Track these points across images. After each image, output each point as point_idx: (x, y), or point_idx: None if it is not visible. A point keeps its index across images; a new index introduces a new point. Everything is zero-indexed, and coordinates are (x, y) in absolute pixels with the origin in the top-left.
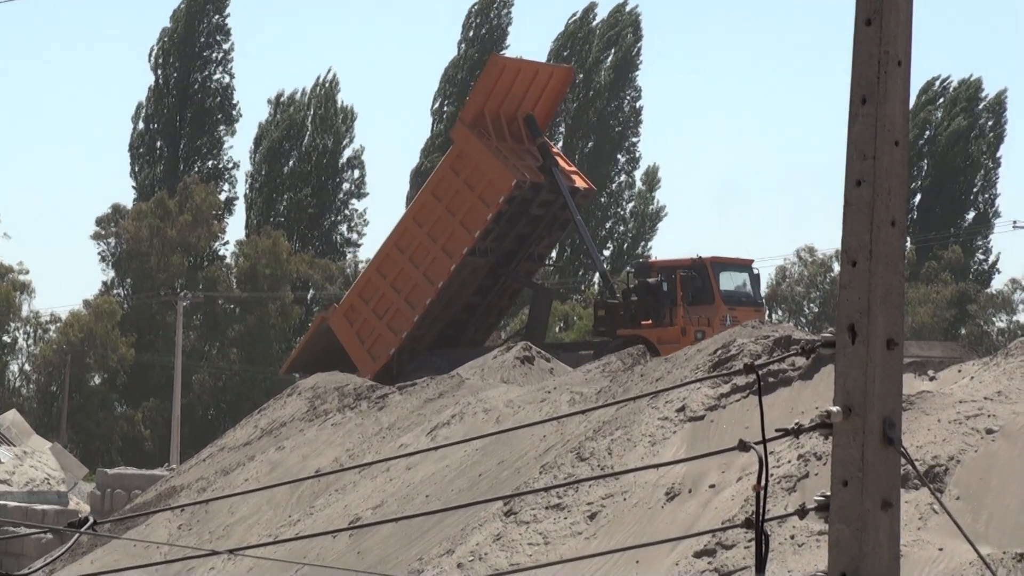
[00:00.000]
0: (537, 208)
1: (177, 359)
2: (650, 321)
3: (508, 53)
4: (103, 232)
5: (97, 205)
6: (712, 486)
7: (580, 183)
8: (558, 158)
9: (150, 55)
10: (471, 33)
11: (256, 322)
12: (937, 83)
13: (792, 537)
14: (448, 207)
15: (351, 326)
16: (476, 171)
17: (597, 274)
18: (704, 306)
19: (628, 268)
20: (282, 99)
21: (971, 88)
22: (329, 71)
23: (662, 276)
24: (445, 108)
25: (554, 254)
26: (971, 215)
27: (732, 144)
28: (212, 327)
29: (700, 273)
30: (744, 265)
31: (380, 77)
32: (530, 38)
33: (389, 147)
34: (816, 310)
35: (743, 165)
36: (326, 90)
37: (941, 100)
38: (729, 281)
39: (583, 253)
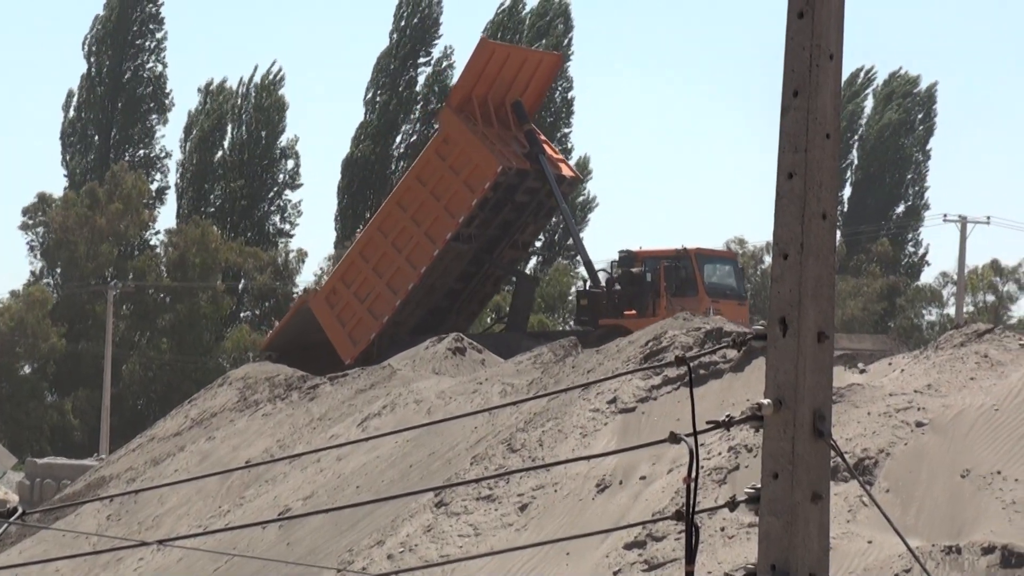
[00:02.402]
0: (522, 195)
1: (107, 349)
2: (633, 311)
3: (438, 43)
4: (30, 222)
5: (28, 194)
6: (643, 478)
7: (566, 171)
8: (545, 145)
9: (83, 43)
10: (402, 23)
11: (186, 311)
12: (862, 74)
13: (722, 529)
14: (432, 192)
15: (332, 309)
16: (462, 156)
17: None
18: (688, 298)
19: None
20: (211, 87)
21: (905, 83)
22: (274, 63)
23: (646, 266)
24: (378, 98)
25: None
26: (901, 208)
27: (663, 134)
28: (142, 316)
29: (684, 264)
30: (729, 258)
31: (312, 66)
32: (461, 27)
33: (321, 137)
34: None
35: (674, 156)
36: (267, 82)
37: (868, 91)
38: (713, 273)
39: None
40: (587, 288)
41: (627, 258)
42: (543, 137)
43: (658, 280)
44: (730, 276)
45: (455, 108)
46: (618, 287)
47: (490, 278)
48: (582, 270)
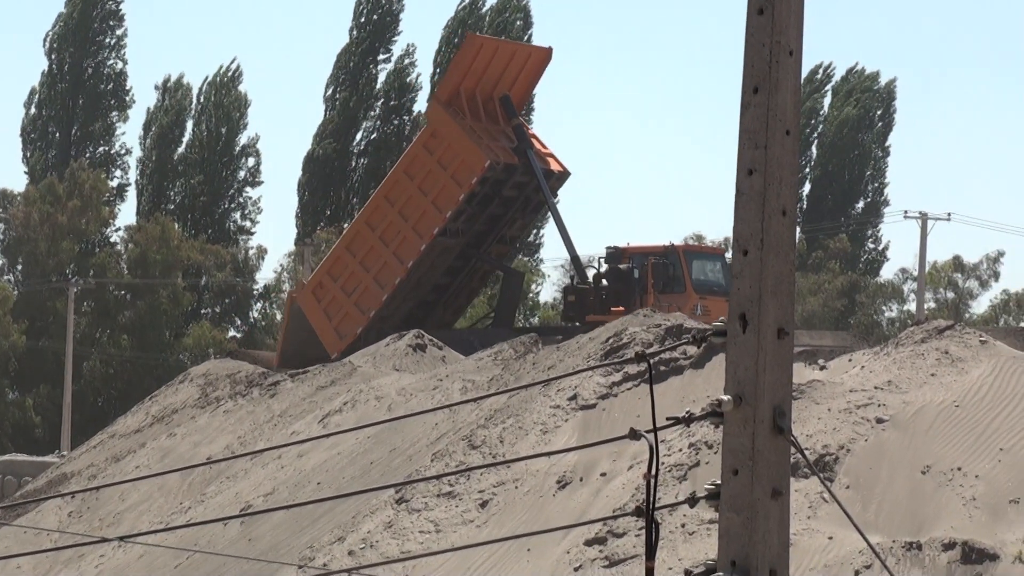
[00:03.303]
0: (510, 190)
1: (68, 345)
2: (621, 308)
3: (398, 39)
4: None
5: None
6: (603, 474)
7: (555, 166)
8: (533, 140)
9: (44, 40)
10: (362, 19)
11: (147, 308)
12: (821, 71)
13: (683, 525)
14: (420, 186)
15: (319, 303)
16: (449, 151)
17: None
18: (675, 294)
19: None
20: (169, 84)
21: (864, 79)
22: (233, 60)
23: (634, 263)
24: (338, 95)
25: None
26: (861, 204)
27: (623, 132)
28: (103, 313)
29: (672, 261)
30: (717, 254)
31: (272, 64)
32: (421, 24)
33: (281, 133)
34: None
35: (634, 152)
36: (227, 79)
37: (827, 88)
38: (701, 270)
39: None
40: (574, 284)
41: (614, 254)
42: (532, 131)
43: (646, 276)
44: (718, 272)
45: (443, 102)
46: (605, 283)
47: (477, 273)
48: (546, 268)
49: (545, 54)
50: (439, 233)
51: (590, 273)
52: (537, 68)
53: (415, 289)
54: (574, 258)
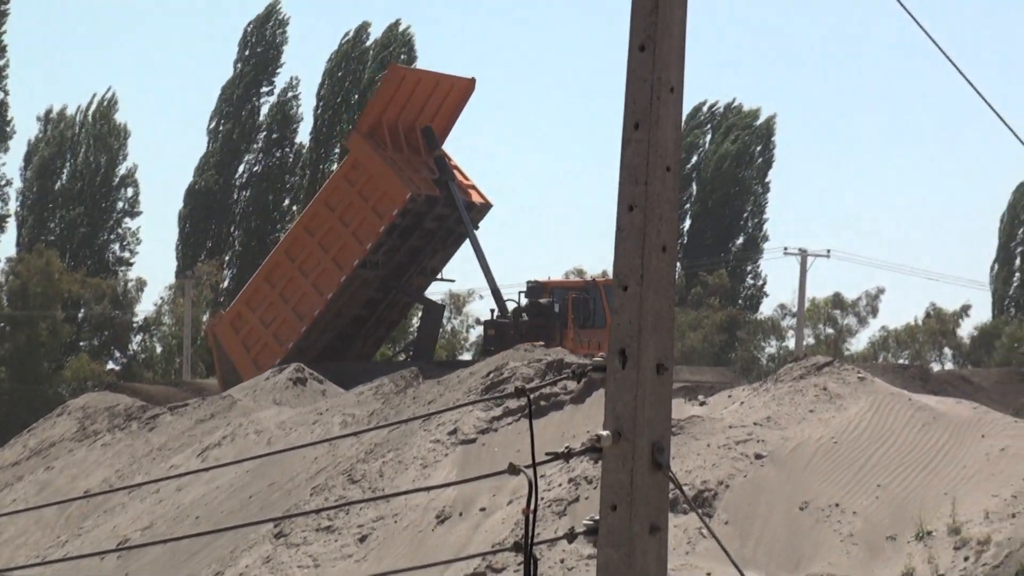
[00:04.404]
0: (431, 221)
1: None
2: (541, 342)
3: (281, 72)
4: None
5: None
6: (483, 509)
7: (476, 198)
8: (455, 171)
9: None
10: (247, 52)
11: (26, 340)
12: (705, 107)
13: (562, 561)
14: (341, 217)
15: (237, 334)
16: (371, 182)
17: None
18: (596, 329)
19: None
20: (52, 115)
21: (744, 115)
22: (108, 90)
23: (555, 297)
24: (221, 127)
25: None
26: (741, 240)
27: (507, 164)
28: None
29: (592, 296)
30: None
31: (156, 96)
32: (305, 57)
33: (164, 165)
34: None
35: (515, 186)
36: (103, 109)
37: (709, 126)
38: None
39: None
40: (494, 318)
41: (535, 288)
42: (454, 163)
43: (566, 311)
44: None
45: (365, 133)
46: (525, 317)
47: (397, 305)
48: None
49: (468, 85)
50: (359, 265)
51: (511, 306)
52: (460, 99)
53: (334, 320)
54: (494, 291)
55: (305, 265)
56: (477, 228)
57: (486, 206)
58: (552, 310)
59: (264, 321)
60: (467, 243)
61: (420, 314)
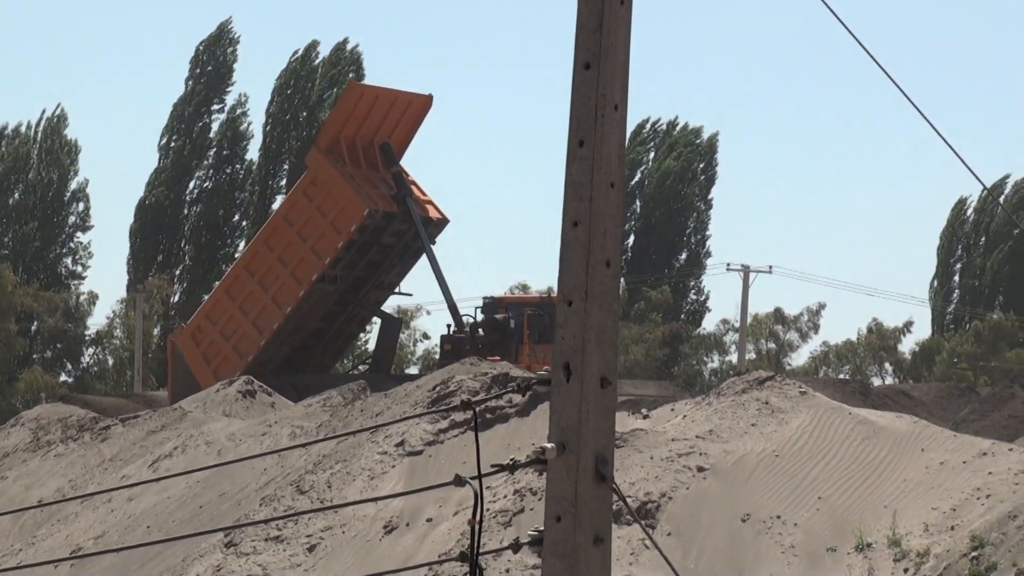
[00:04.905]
0: (389, 237)
1: None
2: (497, 356)
3: (232, 89)
4: None
5: None
6: (429, 520)
7: (433, 213)
8: (413, 187)
9: None
10: (197, 70)
11: None
12: (648, 125)
13: (507, 571)
14: (299, 232)
15: (197, 347)
16: (329, 198)
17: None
18: (551, 344)
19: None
20: (6, 132)
21: (687, 133)
22: (57, 106)
23: (510, 313)
24: (172, 143)
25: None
26: (684, 256)
27: (451, 182)
28: None
29: (548, 311)
30: None
31: (108, 112)
32: (255, 75)
33: (115, 181)
34: None
35: (460, 203)
36: (53, 125)
37: (652, 143)
38: None
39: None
40: (451, 333)
41: (491, 304)
42: (411, 178)
43: (522, 327)
44: None
45: (323, 150)
46: (481, 332)
47: (355, 318)
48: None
49: (425, 101)
50: (318, 279)
51: (468, 321)
52: (417, 115)
53: (293, 334)
54: (451, 306)
55: (264, 279)
56: (434, 243)
57: (443, 221)
58: (508, 326)
59: (224, 334)
60: (424, 258)
61: (378, 328)
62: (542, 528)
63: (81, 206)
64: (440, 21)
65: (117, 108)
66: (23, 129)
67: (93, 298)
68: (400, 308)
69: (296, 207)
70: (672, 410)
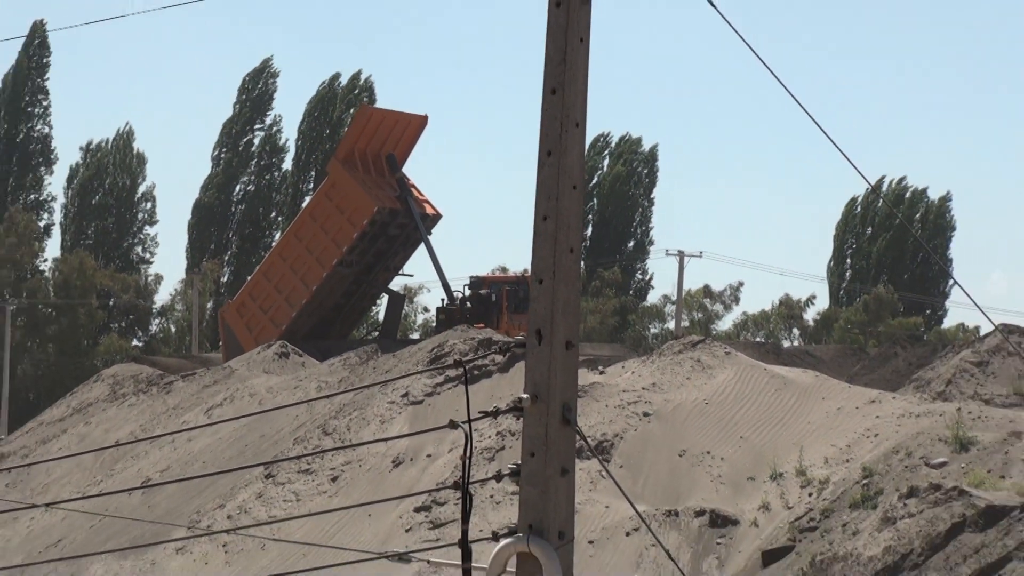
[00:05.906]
0: (394, 229)
1: (5, 352)
2: (482, 324)
3: (271, 112)
4: None
5: None
6: (429, 456)
7: (429, 210)
8: (412, 189)
9: None
10: (244, 96)
11: (69, 323)
12: (603, 138)
13: (491, 496)
14: (322, 226)
15: (242, 318)
16: (345, 198)
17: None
18: (526, 314)
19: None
20: (91, 146)
21: (632, 143)
22: (126, 124)
23: (492, 289)
24: (222, 155)
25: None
26: (631, 244)
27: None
28: (33, 327)
29: (523, 288)
30: None
31: (171, 130)
32: (291, 101)
33: (177, 185)
34: None
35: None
36: (124, 140)
37: (606, 152)
38: None
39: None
40: (445, 305)
41: (477, 283)
42: (411, 182)
43: (502, 300)
44: None
45: (341, 160)
46: (469, 305)
47: (367, 295)
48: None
49: (422, 121)
50: (337, 264)
51: (458, 296)
52: (415, 132)
53: (318, 308)
54: (444, 284)
55: (295, 264)
56: (430, 234)
57: (437, 216)
58: (490, 300)
59: (263, 308)
60: (422, 246)
61: (386, 302)
62: (519, 462)
63: (149, 205)
64: (436, 53)
65: (178, 126)
66: (102, 144)
67: (158, 279)
68: (405, 286)
69: (319, 206)
70: (623, 367)
